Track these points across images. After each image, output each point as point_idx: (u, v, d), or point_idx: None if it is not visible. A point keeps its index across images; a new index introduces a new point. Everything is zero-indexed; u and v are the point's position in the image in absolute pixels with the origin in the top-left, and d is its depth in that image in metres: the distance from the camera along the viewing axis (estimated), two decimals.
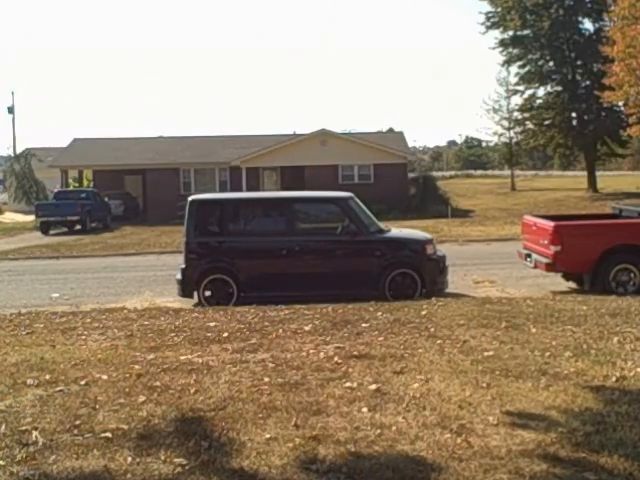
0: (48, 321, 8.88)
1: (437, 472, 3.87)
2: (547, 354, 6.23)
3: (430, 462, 3.99)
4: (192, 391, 5.43)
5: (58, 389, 5.59)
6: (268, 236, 11.27)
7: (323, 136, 34.73)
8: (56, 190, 33.14)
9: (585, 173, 42.70)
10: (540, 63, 41.52)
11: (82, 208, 28.46)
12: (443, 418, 4.65)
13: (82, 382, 5.77)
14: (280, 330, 7.63)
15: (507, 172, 51.67)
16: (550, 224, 10.97)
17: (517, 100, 44.95)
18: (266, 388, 5.44)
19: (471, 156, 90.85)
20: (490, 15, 42.42)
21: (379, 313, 8.45)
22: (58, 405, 5.17)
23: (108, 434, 4.51)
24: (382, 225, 11.76)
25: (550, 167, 70.34)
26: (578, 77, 40.40)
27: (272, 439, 4.37)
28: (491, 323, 7.66)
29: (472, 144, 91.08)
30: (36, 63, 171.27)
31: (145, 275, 15.03)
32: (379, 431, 4.44)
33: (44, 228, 28.35)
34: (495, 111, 46.38)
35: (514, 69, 43.46)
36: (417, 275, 10.82)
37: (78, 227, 28.78)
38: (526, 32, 40.90)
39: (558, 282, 11.71)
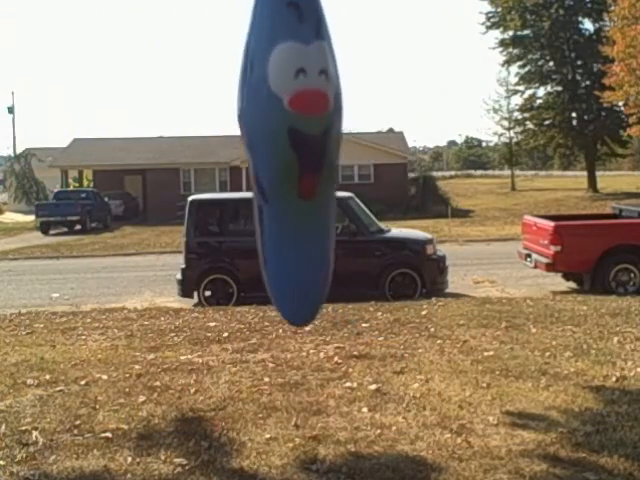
0: (48, 321, 8.88)
1: (437, 472, 3.87)
2: (547, 354, 6.23)
3: (430, 462, 3.99)
4: (192, 391, 5.44)
5: (58, 389, 5.59)
6: None
7: None
8: (56, 190, 33.10)
9: (585, 173, 42.65)
10: (540, 63, 41.49)
11: (82, 208, 28.43)
12: (443, 418, 4.65)
13: (82, 382, 5.77)
14: (280, 330, 7.63)
15: (507, 172, 51.63)
16: (550, 224, 10.98)
17: (517, 100, 44.98)
18: (266, 388, 5.44)
19: (471, 156, 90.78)
20: (490, 15, 42.39)
21: (379, 313, 8.46)
22: (58, 405, 5.18)
23: (108, 434, 4.51)
24: (382, 225, 11.76)
25: (550, 167, 70.25)
26: (578, 77, 40.36)
27: (272, 439, 4.37)
28: (491, 323, 7.66)
29: (472, 144, 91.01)
30: (36, 63, 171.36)
31: (145, 275, 15.03)
32: (379, 431, 4.45)
33: (44, 228, 28.33)
34: (495, 111, 46.34)
35: (514, 69, 43.46)
36: (417, 275, 10.82)
37: (78, 227, 28.75)
38: (526, 32, 40.87)
39: (558, 282, 11.71)
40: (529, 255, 11.65)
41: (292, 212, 3.57)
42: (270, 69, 3.28)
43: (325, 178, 3.55)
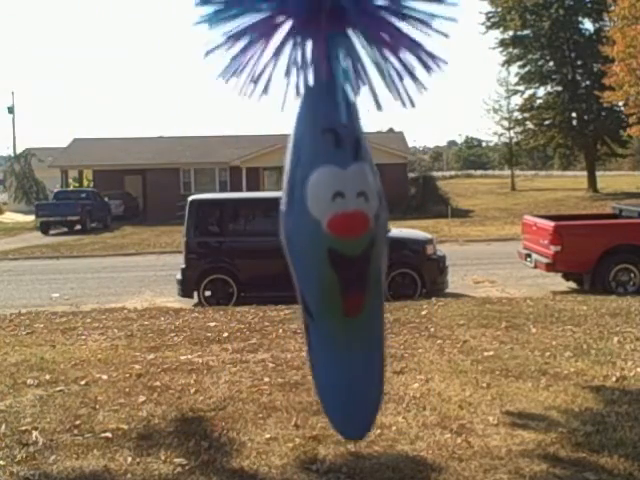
0: (48, 321, 8.88)
1: (437, 472, 3.87)
2: (547, 354, 6.23)
3: (430, 462, 3.99)
4: (192, 391, 5.44)
5: (58, 389, 5.59)
6: (268, 236, 11.21)
7: None
8: (56, 190, 33.09)
9: (585, 173, 42.65)
10: (540, 63, 41.48)
11: (82, 208, 28.41)
12: (443, 418, 4.65)
13: (82, 382, 5.77)
14: (280, 330, 7.63)
15: (507, 172, 51.63)
16: (550, 224, 10.97)
17: (517, 100, 44.94)
18: (266, 388, 5.44)
19: (471, 156, 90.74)
20: (490, 15, 42.39)
21: None
22: (58, 405, 5.18)
23: (108, 434, 4.51)
24: None
25: (550, 167, 70.21)
26: (578, 77, 40.35)
27: (272, 439, 4.37)
28: (491, 323, 7.66)
29: (472, 144, 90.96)
30: (36, 63, 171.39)
31: (145, 275, 15.03)
32: (379, 431, 4.44)
33: (44, 228, 28.32)
34: (495, 111, 46.35)
35: (514, 69, 43.43)
36: (417, 275, 10.81)
37: (78, 227, 28.74)
38: (526, 32, 40.85)
39: (558, 282, 11.71)
40: (529, 255, 11.65)
41: (339, 329, 3.55)
42: (308, 193, 3.35)
43: (370, 294, 3.52)
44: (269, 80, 3.34)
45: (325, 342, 3.61)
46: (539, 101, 42.70)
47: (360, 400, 3.64)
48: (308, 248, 3.40)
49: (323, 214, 3.29)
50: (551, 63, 40.96)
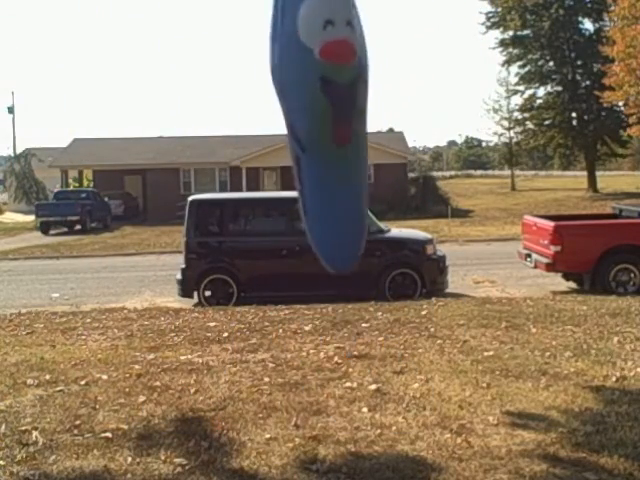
0: (48, 321, 8.88)
1: (437, 472, 3.87)
2: (547, 354, 6.23)
3: (430, 462, 3.99)
4: (192, 391, 5.44)
5: (58, 389, 5.59)
6: (268, 236, 11.27)
7: None
8: (56, 190, 33.10)
9: (585, 173, 42.66)
10: (540, 63, 41.50)
11: (82, 208, 28.43)
12: (443, 418, 4.65)
13: (82, 382, 5.77)
14: (280, 330, 7.63)
15: (507, 172, 51.66)
16: (550, 224, 10.98)
17: (517, 100, 45.05)
18: (266, 388, 5.44)
19: (471, 156, 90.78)
20: (490, 15, 42.41)
21: (379, 313, 8.45)
22: (58, 405, 5.18)
23: (108, 434, 4.51)
24: (382, 225, 11.75)
25: (550, 167, 70.17)
26: (578, 77, 40.36)
27: (272, 439, 4.37)
28: (491, 323, 7.66)
29: (472, 144, 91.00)
30: (36, 63, 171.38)
31: (145, 275, 15.03)
32: (379, 431, 4.45)
33: (44, 228, 28.32)
34: (495, 111, 46.40)
35: (514, 69, 43.52)
36: (417, 275, 10.82)
37: (78, 227, 28.75)
38: (526, 32, 40.89)
39: (558, 282, 11.70)
40: (529, 255, 11.65)
41: (329, 158, 3.73)
42: (300, 22, 3.49)
43: (357, 124, 3.70)
44: None
45: (316, 171, 3.78)
46: (539, 101, 42.74)
47: (346, 232, 3.83)
48: (301, 78, 3.55)
49: (315, 42, 3.46)
50: (551, 63, 40.98)
